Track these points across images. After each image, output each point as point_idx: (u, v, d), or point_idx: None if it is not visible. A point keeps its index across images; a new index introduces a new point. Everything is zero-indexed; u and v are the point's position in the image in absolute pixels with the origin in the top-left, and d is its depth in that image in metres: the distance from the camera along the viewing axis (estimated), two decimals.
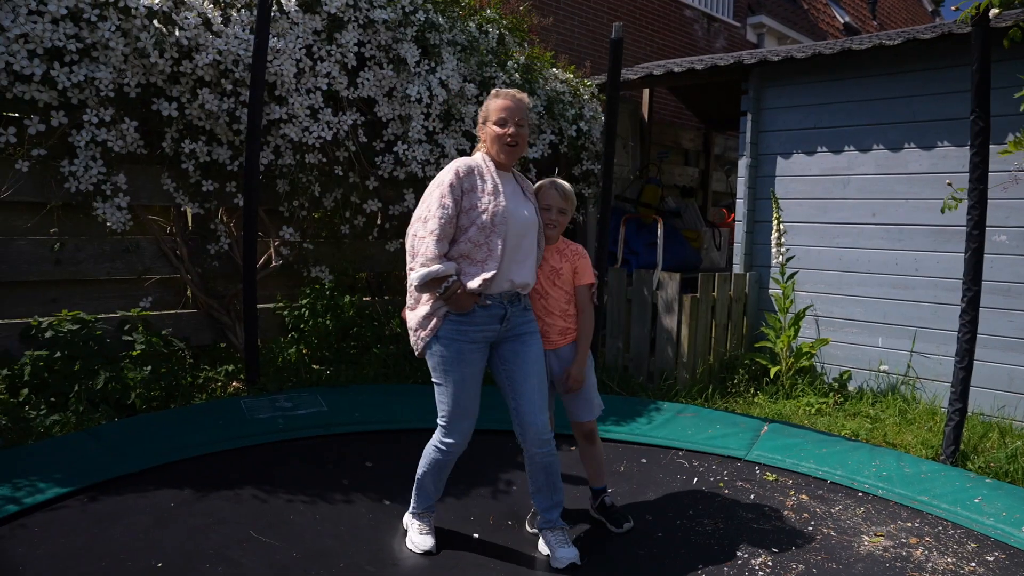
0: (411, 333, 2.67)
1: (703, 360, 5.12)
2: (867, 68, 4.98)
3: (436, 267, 2.49)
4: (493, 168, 2.61)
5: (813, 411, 4.65)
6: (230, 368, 4.61)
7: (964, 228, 3.59)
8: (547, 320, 2.81)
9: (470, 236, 2.54)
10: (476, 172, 2.59)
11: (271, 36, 4.18)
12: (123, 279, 4.35)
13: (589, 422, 2.90)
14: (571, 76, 5.89)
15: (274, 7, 4.20)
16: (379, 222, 5.30)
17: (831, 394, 4.87)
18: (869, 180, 5.03)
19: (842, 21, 14.62)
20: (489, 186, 2.56)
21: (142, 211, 4.40)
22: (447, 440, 2.65)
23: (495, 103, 2.64)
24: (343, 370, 4.85)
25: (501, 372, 2.68)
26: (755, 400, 4.85)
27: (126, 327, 4.22)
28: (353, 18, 4.50)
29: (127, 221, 4.07)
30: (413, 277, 2.54)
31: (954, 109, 4.62)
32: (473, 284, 2.53)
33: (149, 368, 4.08)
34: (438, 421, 2.67)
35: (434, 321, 2.59)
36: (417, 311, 2.64)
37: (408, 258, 2.58)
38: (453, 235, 2.57)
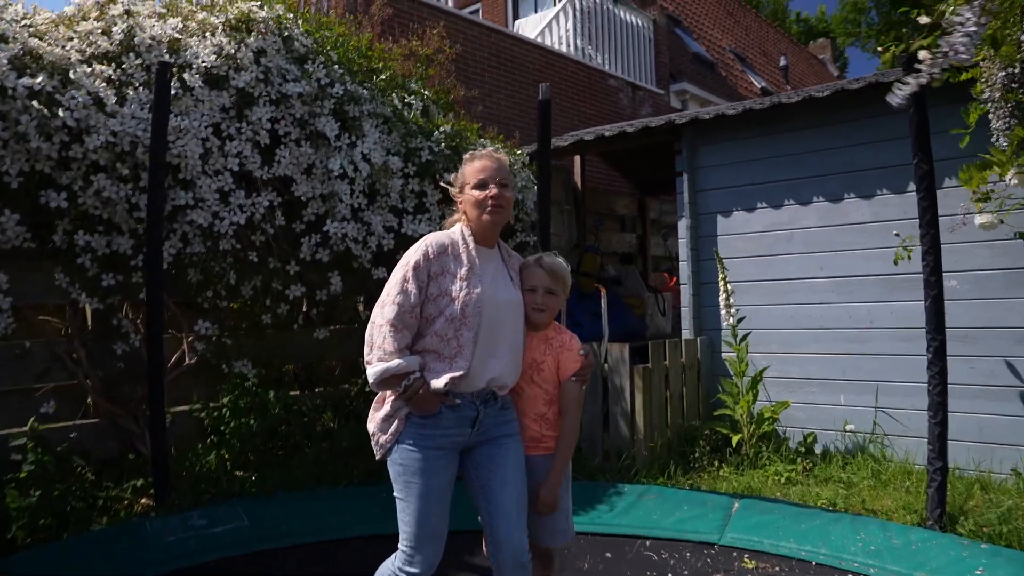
0: (371, 438, 2.30)
1: (661, 434, 4.80)
2: (799, 121, 4.93)
3: (394, 362, 2.15)
4: (472, 244, 2.28)
5: (783, 480, 4.36)
6: (138, 483, 4.08)
7: (916, 275, 3.46)
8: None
9: (437, 329, 2.20)
10: (450, 252, 2.26)
11: (174, 115, 3.86)
12: (10, 390, 3.83)
13: (552, 548, 2.44)
14: (500, 146, 5.71)
15: (175, 84, 3.89)
16: (304, 309, 4.91)
17: (799, 459, 4.59)
18: (813, 233, 4.92)
19: (759, 86, 15.20)
20: (463, 269, 2.22)
21: (32, 311, 3.93)
22: (410, 570, 2.20)
23: (472, 166, 2.35)
24: (269, 475, 4.35)
25: (474, 480, 2.29)
26: (720, 473, 4.53)
27: (11, 444, 3.67)
28: (264, 93, 4.22)
29: (8, 325, 3.57)
30: (368, 373, 2.18)
31: (888, 156, 4.58)
32: (438, 384, 2.18)
33: (38, 493, 3.53)
34: (400, 545, 2.24)
35: (395, 424, 2.22)
36: (378, 412, 2.28)
37: (365, 349, 2.22)
38: (419, 325, 2.24)
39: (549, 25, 9.85)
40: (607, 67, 10.21)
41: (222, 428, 4.46)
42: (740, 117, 5.05)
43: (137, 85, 3.86)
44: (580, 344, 2.40)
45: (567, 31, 9.95)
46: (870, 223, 4.69)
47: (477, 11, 12.52)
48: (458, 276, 2.23)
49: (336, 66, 4.58)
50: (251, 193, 4.24)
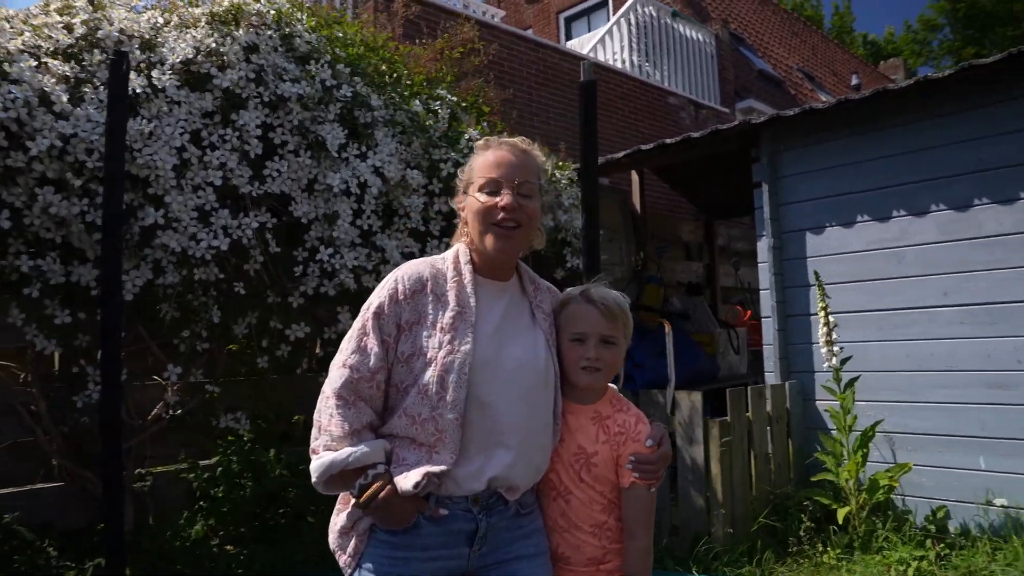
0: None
1: (745, 505, 3.82)
2: (911, 112, 3.99)
3: (343, 452, 1.44)
4: (468, 276, 1.58)
5: (910, 572, 3.33)
6: (104, 562, 3.37)
7: None
8: (568, 538, 1.64)
9: (408, 406, 1.48)
10: (430, 288, 1.56)
11: (142, 119, 3.21)
12: None
13: None
14: (544, 160, 4.92)
15: (143, 85, 3.24)
16: (310, 349, 4.18)
17: (928, 542, 3.54)
18: (932, 250, 3.93)
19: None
20: (447, 315, 1.52)
21: None
22: None
23: (482, 158, 1.64)
24: (261, 553, 3.59)
25: None
26: (824, 560, 3.53)
27: None
28: (255, 94, 3.54)
29: None
30: (311, 467, 1.48)
31: None
32: (405, 484, 1.44)
33: None
34: None
35: (353, 542, 1.50)
36: (337, 520, 1.55)
37: (313, 431, 1.52)
38: (390, 396, 1.52)
39: (602, 40, 9.12)
40: (666, 84, 9.39)
41: (213, 492, 3.77)
42: (833, 113, 4.14)
43: (98, 84, 3.23)
44: (649, 428, 1.65)
45: (621, 47, 9.20)
46: (1013, 235, 3.67)
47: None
48: (438, 324, 1.48)
49: (343, 66, 3.90)
50: (238, 213, 3.53)
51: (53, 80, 3.09)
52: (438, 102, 4.40)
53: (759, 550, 3.57)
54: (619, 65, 9.08)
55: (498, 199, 1.55)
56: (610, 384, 1.72)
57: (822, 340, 3.80)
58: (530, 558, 1.54)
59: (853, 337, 4.17)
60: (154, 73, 3.30)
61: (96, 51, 3.29)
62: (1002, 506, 3.68)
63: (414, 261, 1.63)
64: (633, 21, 9.25)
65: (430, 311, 1.53)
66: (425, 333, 1.51)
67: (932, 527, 3.70)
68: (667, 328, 5.00)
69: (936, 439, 3.92)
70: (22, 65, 2.99)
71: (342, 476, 1.45)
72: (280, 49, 3.73)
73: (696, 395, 3.83)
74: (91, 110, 3.13)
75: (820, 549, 3.63)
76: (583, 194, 3.08)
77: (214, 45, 3.46)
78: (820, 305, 3.78)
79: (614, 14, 10.37)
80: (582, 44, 10.49)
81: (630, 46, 9.18)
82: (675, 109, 9.29)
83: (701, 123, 9.65)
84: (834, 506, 3.76)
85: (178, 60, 3.37)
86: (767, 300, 4.48)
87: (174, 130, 3.31)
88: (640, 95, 8.86)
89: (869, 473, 3.84)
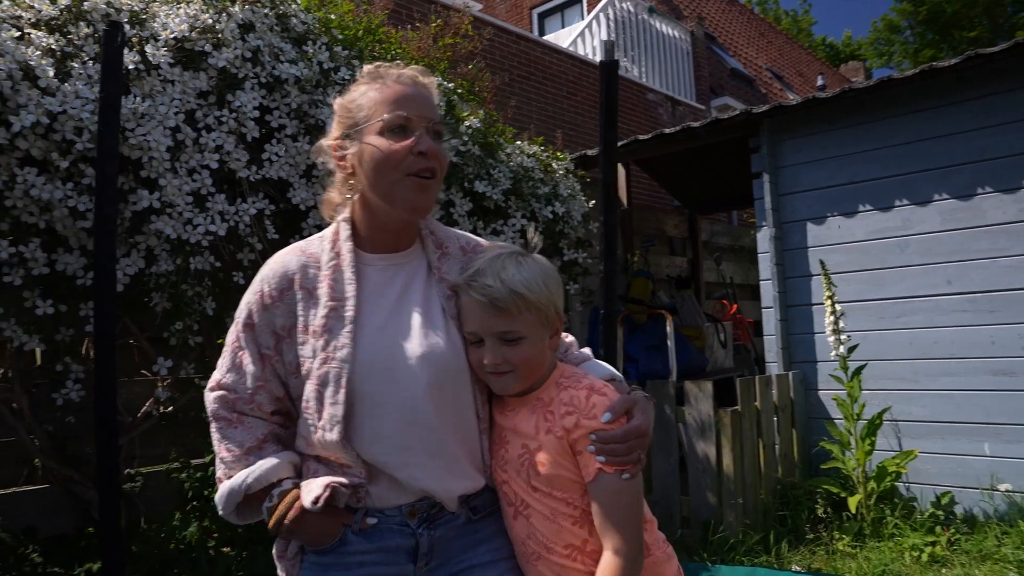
0: None
1: (755, 494, 3.78)
2: (914, 102, 4.00)
3: (239, 475, 1.25)
4: (348, 255, 1.29)
5: (924, 558, 3.32)
6: (95, 567, 3.20)
7: None
8: (545, 568, 1.28)
9: (300, 425, 1.31)
10: (299, 283, 1.28)
11: (135, 97, 3.02)
12: None
13: None
14: (540, 149, 4.84)
15: (137, 60, 3.06)
16: None
17: (937, 528, 3.55)
18: (935, 239, 3.95)
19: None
20: (319, 312, 1.25)
21: None
22: None
23: (376, 93, 1.27)
24: (262, 555, 3.44)
25: None
26: (838, 547, 3.51)
27: None
28: (252, 74, 3.38)
29: None
30: (216, 501, 1.30)
31: None
32: (307, 498, 1.23)
33: None
34: None
35: (286, 568, 1.31)
36: (275, 546, 1.34)
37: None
38: (288, 408, 1.32)
39: (581, 35, 9.08)
40: (644, 80, 9.39)
41: (206, 492, 3.60)
42: (835, 103, 4.13)
43: (86, 59, 3.04)
44: (607, 398, 1.25)
45: (600, 43, 9.16)
46: (1016, 223, 3.71)
47: None
48: (310, 329, 1.25)
49: (340, 48, 3.75)
50: (235, 199, 3.37)
51: (38, 53, 2.89)
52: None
53: (773, 539, 3.54)
54: (597, 60, 9.05)
55: (410, 141, 1.23)
56: (565, 358, 1.40)
57: (829, 329, 3.78)
58: (485, 566, 1.29)
59: (856, 326, 4.17)
60: (148, 48, 3.11)
61: (82, 24, 3.10)
62: (1007, 491, 3.71)
63: (281, 252, 1.34)
64: (611, 16, 9.23)
65: (300, 312, 1.26)
66: (300, 339, 1.25)
67: (940, 513, 3.70)
68: (668, 320, 4.95)
69: (940, 426, 3.94)
70: (3, 35, 2.78)
71: (248, 503, 1.27)
72: (276, 28, 3.58)
73: (707, 384, 3.78)
74: (80, 86, 2.93)
75: (832, 537, 3.61)
76: (603, 176, 2.99)
77: (210, 22, 3.29)
78: (826, 294, 3.76)
79: (588, 10, 10.35)
80: (559, 39, 10.45)
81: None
82: (653, 105, 9.30)
83: (678, 119, 9.68)
84: (843, 494, 3.74)
85: (172, 36, 3.20)
86: (769, 291, 4.46)
87: (168, 109, 3.12)
88: (621, 91, 8.83)
89: (875, 461, 3.84)
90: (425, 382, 1.23)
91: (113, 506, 2.98)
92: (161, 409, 3.49)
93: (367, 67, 1.35)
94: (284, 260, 1.31)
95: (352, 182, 1.31)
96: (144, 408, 3.50)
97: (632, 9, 9.44)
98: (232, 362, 1.31)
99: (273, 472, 1.25)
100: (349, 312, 1.23)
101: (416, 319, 1.27)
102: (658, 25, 9.89)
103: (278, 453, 1.28)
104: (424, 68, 1.39)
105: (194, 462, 3.67)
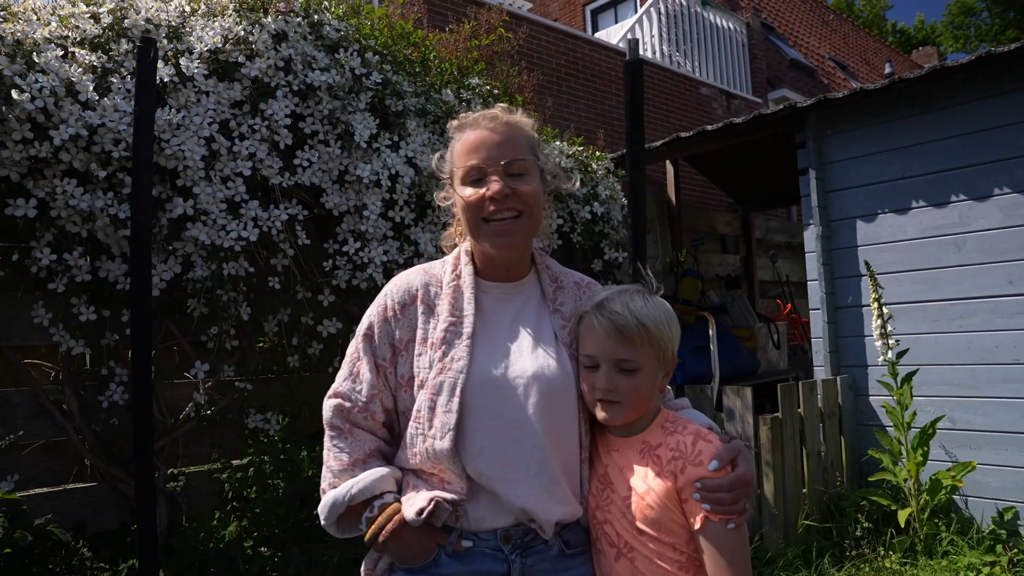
0: None
1: (796, 506, 3.64)
2: (970, 91, 3.78)
3: (344, 486, 1.29)
4: (469, 279, 1.36)
5: None
6: (138, 563, 3.30)
7: None
8: None
9: (406, 436, 1.36)
10: (420, 299, 1.36)
11: (170, 109, 3.12)
12: None
13: None
14: (579, 149, 4.78)
15: (171, 73, 3.15)
16: (342, 347, 4.07)
17: (998, 547, 3.33)
18: (995, 236, 3.72)
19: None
20: (439, 326, 1.32)
21: (15, 353, 3.25)
22: None
23: (459, 143, 1.37)
24: (296, 555, 3.50)
25: None
26: (885, 564, 3.34)
27: None
28: (285, 83, 3.44)
29: None
30: (319, 511, 1.33)
31: None
32: (409, 511, 1.27)
33: None
34: None
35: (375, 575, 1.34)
36: (364, 563, 1.39)
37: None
38: (393, 422, 1.38)
39: (631, 30, 8.92)
40: (698, 75, 9.17)
41: (246, 493, 3.68)
42: (884, 94, 3.93)
43: (125, 74, 3.14)
44: (713, 446, 1.27)
45: (652, 37, 9.00)
46: None
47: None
48: (428, 341, 1.29)
49: (371, 53, 3.78)
50: (268, 205, 3.43)
51: (80, 70, 3.00)
52: (470, 92, 4.27)
53: (815, 553, 3.39)
54: (649, 55, 8.89)
55: (484, 189, 1.30)
56: (664, 405, 1.42)
57: (876, 333, 3.60)
58: None
59: (908, 329, 3.96)
60: (182, 61, 3.20)
61: (123, 40, 3.21)
62: None
63: (407, 271, 1.42)
64: (663, 10, 9.05)
65: (420, 326, 1.33)
66: (417, 351, 1.32)
67: (1000, 531, 3.48)
68: (711, 322, 4.82)
69: (1001, 436, 3.70)
70: (49, 55, 2.91)
71: (349, 514, 1.30)
72: (309, 37, 3.63)
73: (745, 391, 3.66)
74: (119, 100, 3.03)
75: (880, 552, 3.44)
76: (630, 177, 2.92)
77: (242, 33, 3.36)
78: (873, 296, 3.58)
79: (641, 5, 10.17)
80: (610, 35, 10.31)
81: (660, 36, 8.99)
82: (707, 100, 9.08)
83: (733, 113, 9.42)
84: (893, 507, 3.56)
85: (206, 48, 3.28)
86: (816, 291, 4.28)
87: (203, 120, 3.21)
88: (671, 86, 8.66)
89: (928, 472, 3.64)
90: (534, 401, 1.28)
91: (150, 505, 3.09)
92: (201, 411, 3.59)
93: (453, 121, 1.43)
94: (409, 277, 1.39)
95: (459, 227, 1.44)
96: (185, 410, 3.62)
97: (685, 2, 9.24)
98: (350, 371, 1.37)
99: (377, 485, 1.29)
100: (467, 328, 1.30)
101: (529, 341, 1.34)
102: (712, 17, 9.65)
103: (381, 468, 1.33)
104: (506, 106, 1.43)
105: (235, 463, 3.76)
